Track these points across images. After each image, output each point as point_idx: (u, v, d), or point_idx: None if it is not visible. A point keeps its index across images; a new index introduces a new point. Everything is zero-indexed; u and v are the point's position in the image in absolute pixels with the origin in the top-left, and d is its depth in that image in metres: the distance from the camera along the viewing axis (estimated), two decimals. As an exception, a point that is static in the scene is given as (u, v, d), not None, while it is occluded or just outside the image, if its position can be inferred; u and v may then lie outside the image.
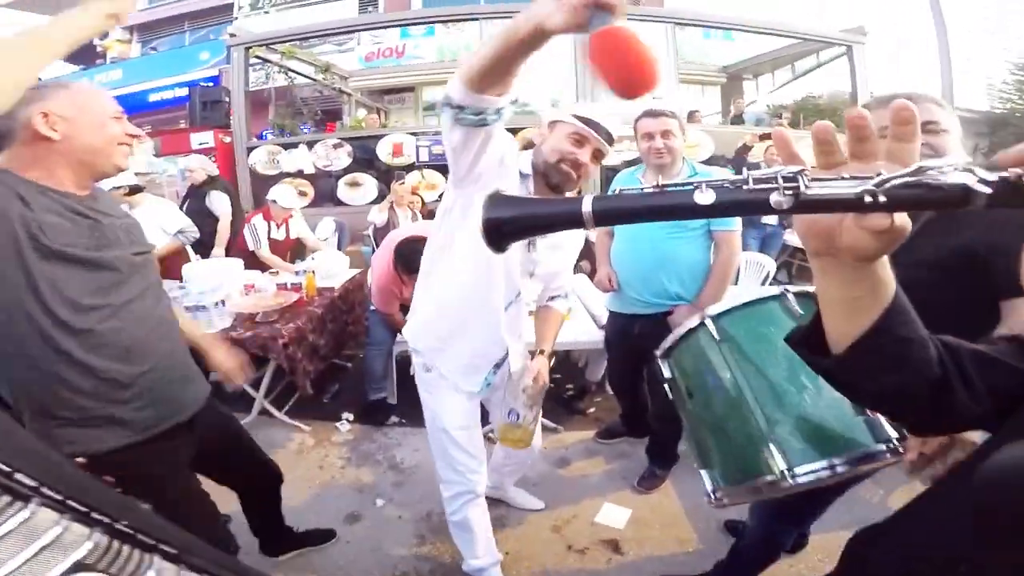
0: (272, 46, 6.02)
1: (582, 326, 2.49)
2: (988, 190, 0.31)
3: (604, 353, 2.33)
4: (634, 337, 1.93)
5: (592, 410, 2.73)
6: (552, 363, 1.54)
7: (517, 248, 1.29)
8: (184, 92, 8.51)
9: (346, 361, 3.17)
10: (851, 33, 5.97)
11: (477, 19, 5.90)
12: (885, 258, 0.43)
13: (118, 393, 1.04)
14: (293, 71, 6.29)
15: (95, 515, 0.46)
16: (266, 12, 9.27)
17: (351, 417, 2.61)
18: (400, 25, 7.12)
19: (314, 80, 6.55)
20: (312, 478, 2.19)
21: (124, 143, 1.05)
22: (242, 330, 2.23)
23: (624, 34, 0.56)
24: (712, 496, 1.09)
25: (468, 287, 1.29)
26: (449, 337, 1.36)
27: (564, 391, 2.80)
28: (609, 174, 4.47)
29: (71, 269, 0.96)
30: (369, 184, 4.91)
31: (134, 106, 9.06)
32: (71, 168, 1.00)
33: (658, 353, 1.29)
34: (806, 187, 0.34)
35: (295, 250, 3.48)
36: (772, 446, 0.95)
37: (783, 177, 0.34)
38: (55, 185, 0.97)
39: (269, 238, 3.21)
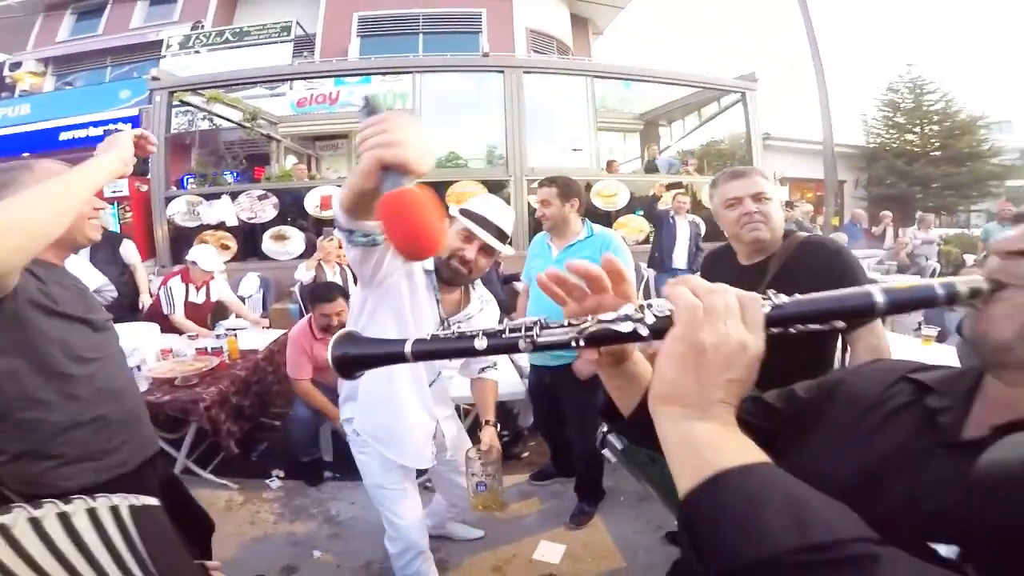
0: (198, 90, 5.88)
1: (507, 377, 2.57)
2: (647, 331, 0.43)
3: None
4: (549, 386, 2.12)
5: (526, 454, 2.83)
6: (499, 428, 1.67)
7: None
8: (99, 132, 7.98)
9: (274, 420, 3.05)
10: (744, 80, 6.77)
11: (411, 72, 6.12)
12: (638, 356, 0.57)
13: (108, 432, 1.15)
14: (219, 116, 6.15)
15: None
16: (196, 52, 8.98)
17: (281, 474, 2.54)
18: (335, 75, 7.22)
19: (240, 126, 6.42)
20: (243, 533, 2.12)
21: (92, 217, 1.13)
22: (159, 394, 2.15)
23: (408, 200, 0.54)
24: None
25: (393, 378, 1.42)
26: (392, 423, 1.48)
27: (500, 437, 2.88)
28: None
29: (76, 328, 1.09)
30: (296, 238, 4.79)
31: (42, 144, 8.34)
32: (51, 245, 1.07)
33: (604, 429, 1.34)
34: (537, 336, 0.48)
35: (217, 311, 3.35)
36: None
37: (525, 327, 0.48)
38: (44, 258, 1.09)
39: (187, 301, 3.08)
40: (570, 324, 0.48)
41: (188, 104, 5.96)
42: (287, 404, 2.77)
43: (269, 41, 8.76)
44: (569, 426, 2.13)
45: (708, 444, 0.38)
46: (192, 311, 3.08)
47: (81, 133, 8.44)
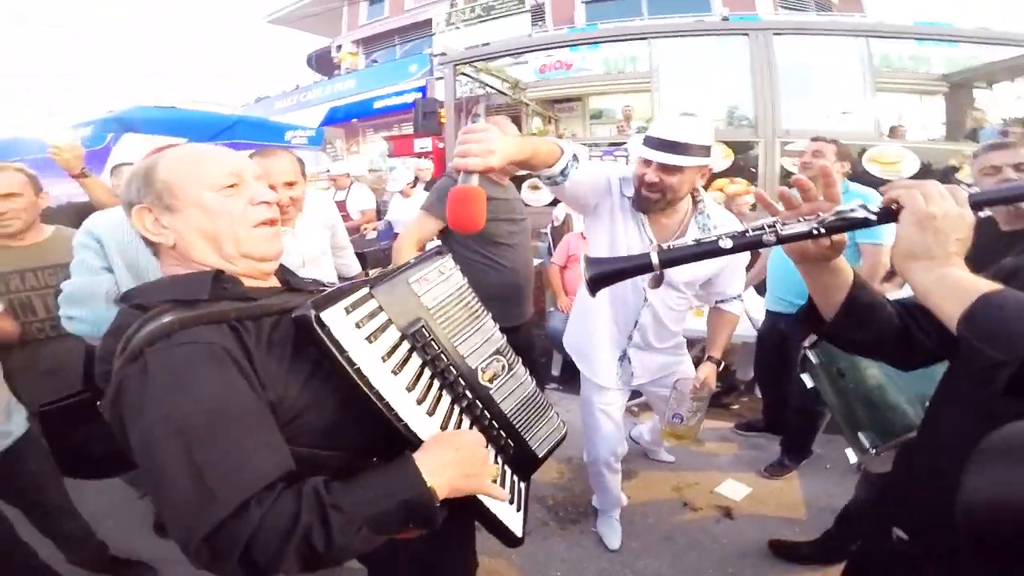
0: (471, 62, 7.08)
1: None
2: (875, 217, 0.55)
3: (751, 355, 2.54)
4: (780, 332, 2.19)
5: (736, 407, 2.90)
6: (721, 367, 1.66)
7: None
8: (398, 100, 10.13)
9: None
10: None
11: (645, 38, 6.10)
12: (842, 257, 0.65)
13: (513, 294, 1.91)
14: (489, 86, 7.35)
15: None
16: (457, 28, 10.43)
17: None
18: (587, 42, 7.65)
19: (503, 92, 7.55)
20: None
21: None
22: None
23: (463, 196, 0.77)
24: (871, 451, 1.22)
25: (591, 302, 1.52)
26: (582, 339, 1.70)
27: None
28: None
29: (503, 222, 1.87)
30: (545, 188, 5.50)
31: (363, 112, 10.95)
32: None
33: (806, 344, 1.45)
34: (780, 230, 0.56)
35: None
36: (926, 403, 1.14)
37: (767, 226, 0.57)
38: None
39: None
40: (806, 219, 0.57)
41: (465, 75, 7.24)
42: (532, 325, 3.50)
43: (509, 13, 9.56)
44: (791, 376, 2.14)
45: (964, 280, 0.51)
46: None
47: (387, 102, 10.57)
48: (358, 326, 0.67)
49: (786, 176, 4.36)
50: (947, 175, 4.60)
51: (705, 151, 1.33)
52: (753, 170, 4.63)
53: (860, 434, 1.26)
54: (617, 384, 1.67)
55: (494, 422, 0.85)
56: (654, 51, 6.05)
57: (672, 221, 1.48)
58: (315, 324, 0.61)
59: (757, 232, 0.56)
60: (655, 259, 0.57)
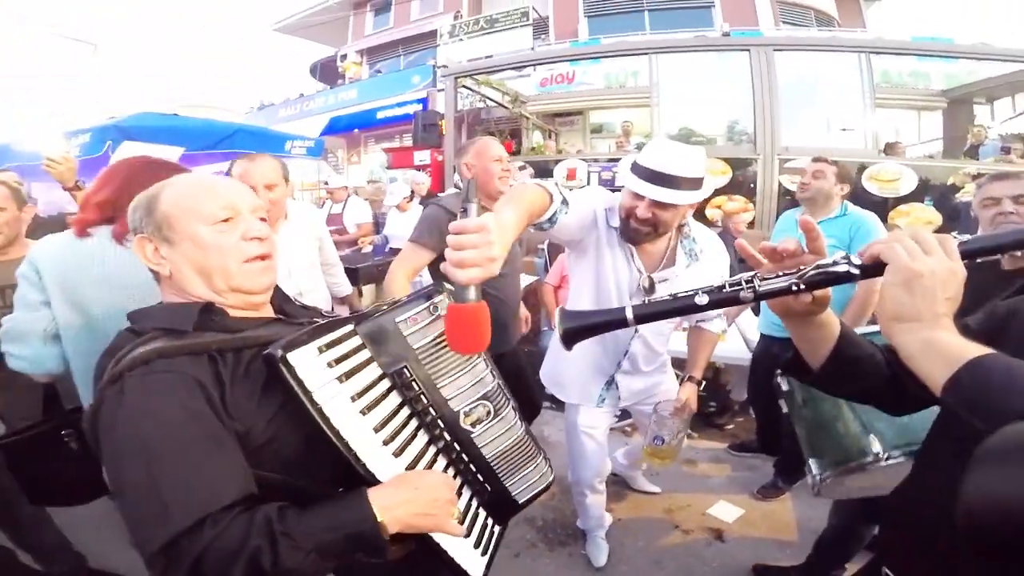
0: (473, 75, 7.14)
1: (733, 345, 2.63)
2: (858, 271, 0.52)
3: (746, 376, 2.50)
4: (775, 356, 2.15)
5: (730, 427, 2.88)
6: (702, 386, 1.63)
7: (631, 293, 1.45)
8: (401, 112, 10.04)
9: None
10: None
11: (647, 53, 6.15)
12: (829, 309, 0.62)
13: (502, 317, 1.80)
14: (489, 98, 7.40)
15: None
16: (460, 40, 10.49)
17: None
18: (590, 57, 7.70)
19: (503, 106, 7.60)
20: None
21: (502, 176, 1.79)
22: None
23: (463, 317, 0.64)
24: (818, 478, 1.24)
25: None
26: (555, 363, 1.70)
27: (707, 407, 2.92)
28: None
29: None
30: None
31: (366, 122, 10.97)
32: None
33: (778, 372, 1.42)
34: (758, 286, 0.54)
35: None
36: (872, 436, 1.15)
37: (745, 281, 0.54)
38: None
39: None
40: (785, 274, 0.55)
41: (466, 87, 7.30)
42: (528, 342, 3.41)
43: (512, 27, 9.63)
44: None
45: (950, 344, 0.48)
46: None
47: (390, 112, 10.44)
48: (331, 365, 0.68)
49: (784, 194, 4.34)
50: (947, 195, 4.57)
51: (698, 184, 1.27)
52: (752, 186, 4.60)
53: (812, 461, 1.28)
54: (602, 407, 1.66)
55: (471, 465, 0.85)
56: (655, 66, 6.09)
57: (658, 248, 1.45)
58: (280, 364, 0.63)
59: (734, 288, 0.55)
60: (630, 315, 0.57)
